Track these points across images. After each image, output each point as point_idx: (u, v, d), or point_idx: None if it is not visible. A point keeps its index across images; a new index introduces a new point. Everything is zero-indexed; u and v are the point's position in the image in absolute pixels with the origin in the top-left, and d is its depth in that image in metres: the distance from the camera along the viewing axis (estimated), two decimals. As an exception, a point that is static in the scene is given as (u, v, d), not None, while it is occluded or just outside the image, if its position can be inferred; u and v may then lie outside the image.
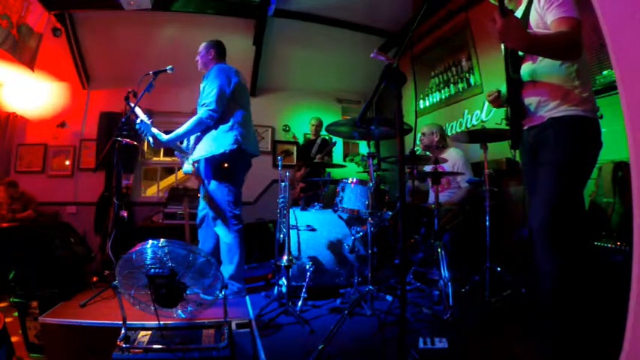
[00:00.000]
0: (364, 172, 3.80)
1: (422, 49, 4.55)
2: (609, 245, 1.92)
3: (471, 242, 2.69)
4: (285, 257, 2.15)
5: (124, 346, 1.58)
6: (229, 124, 2.38)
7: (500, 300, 2.12)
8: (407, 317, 1.39)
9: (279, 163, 2.42)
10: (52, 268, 2.53)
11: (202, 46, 2.59)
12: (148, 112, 2.73)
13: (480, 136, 2.44)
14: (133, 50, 4.59)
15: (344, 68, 5.45)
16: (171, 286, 1.58)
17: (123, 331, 1.63)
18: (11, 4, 3.38)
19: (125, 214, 2.71)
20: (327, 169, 4.30)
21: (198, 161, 2.46)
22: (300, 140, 5.55)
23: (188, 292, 1.67)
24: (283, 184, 2.38)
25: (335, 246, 2.57)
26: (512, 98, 1.59)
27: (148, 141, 2.41)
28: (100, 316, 1.96)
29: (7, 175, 4.57)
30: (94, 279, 2.62)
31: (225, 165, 2.36)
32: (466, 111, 3.87)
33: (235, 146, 2.33)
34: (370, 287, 1.99)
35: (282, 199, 2.38)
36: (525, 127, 1.57)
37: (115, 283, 1.60)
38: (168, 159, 5.41)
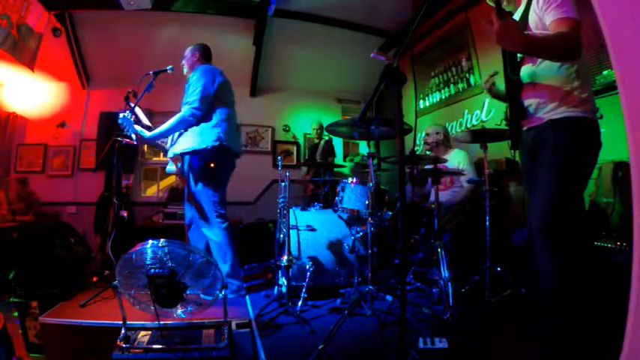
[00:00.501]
0: (364, 172, 3.82)
1: (422, 49, 4.55)
2: (609, 245, 1.92)
3: (471, 242, 2.69)
4: (285, 257, 2.15)
5: (124, 346, 1.58)
6: (213, 122, 2.39)
7: (500, 300, 2.12)
8: (407, 317, 1.39)
9: (279, 163, 2.42)
10: (52, 268, 2.52)
11: (188, 49, 2.62)
12: (148, 112, 2.73)
13: (480, 136, 2.44)
14: (133, 50, 4.59)
15: (344, 68, 5.45)
16: (171, 286, 1.58)
17: (123, 331, 1.63)
18: (11, 4, 3.38)
19: (125, 214, 2.71)
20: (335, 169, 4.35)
21: (182, 161, 2.45)
22: (300, 140, 5.56)
23: (188, 292, 1.67)
24: (283, 184, 2.38)
25: (335, 246, 2.57)
26: (511, 99, 1.59)
27: (131, 138, 2.40)
28: (100, 316, 1.96)
29: (7, 175, 4.57)
30: (94, 279, 2.62)
31: (212, 165, 2.37)
32: (466, 111, 3.86)
33: (217, 143, 2.34)
34: (370, 287, 1.99)
35: (282, 199, 2.38)
36: (525, 128, 1.57)
37: (115, 283, 1.60)
38: (168, 159, 5.40)
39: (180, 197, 4.11)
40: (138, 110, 2.38)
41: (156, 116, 4.32)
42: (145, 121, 2.72)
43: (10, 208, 4.10)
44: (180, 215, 3.99)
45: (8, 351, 1.75)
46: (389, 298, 2.19)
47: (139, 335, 1.67)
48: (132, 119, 2.31)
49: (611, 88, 2.22)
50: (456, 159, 3.01)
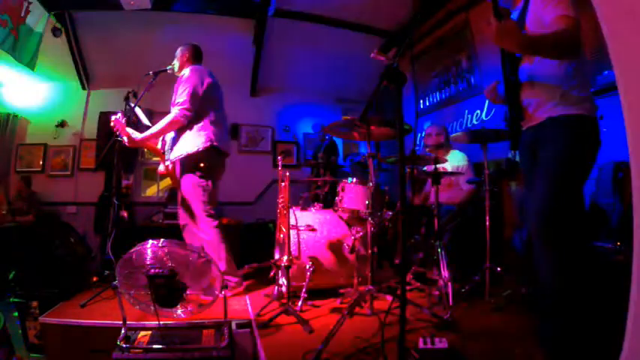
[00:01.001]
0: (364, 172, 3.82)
1: (422, 49, 4.55)
2: (609, 245, 1.92)
3: (471, 242, 2.69)
4: (285, 257, 2.15)
5: (124, 346, 1.57)
6: (202, 123, 2.41)
7: (500, 300, 2.12)
8: (407, 317, 1.39)
9: (279, 163, 2.42)
10: (52, 268, 2.53)
11: (178, 49, 2.63)
12: (148, 112, 2.73)
13: (480, 136, 2.43)
14: (133, 50, 4.59)
15: (344, 68, 5.45)
16: (171, 286, 1.58)
17: (123, 331, 1.63)
18: (11, 4, 3.38)
19: (125, 214, 2.71)
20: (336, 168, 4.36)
21: (174, 163, 2.48)
22: (301, 140, 5.56)
23: (188, 292, 1.67)
24: (283, 184, 2.38)
25: (335, 246, 2.57)
26: (510, 99, 1.59)
27: (122, 139, 2.42)
28: (100, 316, 1.96)
29: (7, 175, 4.57)
30: (94, 279, 2.62)
31: (201, 165, 2.39)
32: (466, 111, 3.87)
33: (208, 144, 2.37)
34: (370, 287, 1.99)
35: (282, 199, 2.38)
36: (524, 128, 1.57)
37: (115, 283, 1.60)
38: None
39: (181, 197, 4.12)
40: (138, 110, 2.39)
41: (156, 116, 4.32)
42: (145, 121, 2.72)
43: (10, 209, 4.10)
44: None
45: (8, 351, 1.75)
46: (389, 298, 2.18)
47: (139, 335, 1.67)
48: (124, 121, 2.33)
49: (611, 88, 2.22)
50: (454, 159, 3.00)
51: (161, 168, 2.58)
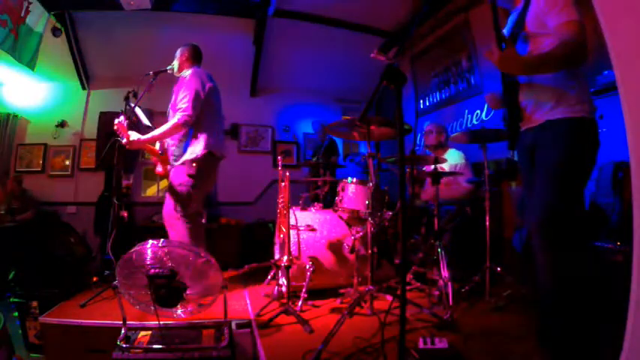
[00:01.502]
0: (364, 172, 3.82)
1: (422, 49, 4.55)
2: (609, 245, 1.92)
3: (471, 242, 2.69)
4: (285, 257, 2.15)
5: (124, 346, 1.58)
6: (201, 127, 2.42)
7: (500, 300, 2.12)
8: (407, 317, 1.39)
9: (279, 163, 2.42)
10: (52, 268, 2.53)
11: (178, 49, 2.63)
12: (148, 112, 2.73)
13: (479, 136, 2.43)
14: (133, 50, 4.59)
15: (344, 68, 5.45)
16: (171, 286, 1.58)
17: (123, 331, 1.63)
18: (11, 4, 3.38)
19: (125, 214, 2.71)
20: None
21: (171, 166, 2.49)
22: (301, 140, 5.56)
23: (188, 292, 1.67)
24: (283, 184, 2.38)
25: (335, 246, 2.57)
26: (508, 100, 1.58)
27: (122, 141, 2.41)
28: (100, 316, 1.96)
29: (7, 175, 4.57)
30: (94, 279, 2.62)
31: (194, 165, 2.39)
32: (466, 111, 3.87)
33: (206, 150, 2.38)
34: (370, 287, 1.99)
35: (282, 199, 2.38)
36: (523, 129, 1.57)
37: (115, 283, 1.60)
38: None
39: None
40: (138, 110, 2.38)
41: (156, 116, 4.32)
42: (145, 121, 2.72)
43: (9, 209, 4.10)
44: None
45: (8, 351, 1.75)
46: (389, 298, 2.18)
47: (139, 335, 1.67)
48: (126, 124, 2.32)
49: (611, 88, 2.22)
50: (452, 158, 3.00)
51: (159, 169, 2.58)
